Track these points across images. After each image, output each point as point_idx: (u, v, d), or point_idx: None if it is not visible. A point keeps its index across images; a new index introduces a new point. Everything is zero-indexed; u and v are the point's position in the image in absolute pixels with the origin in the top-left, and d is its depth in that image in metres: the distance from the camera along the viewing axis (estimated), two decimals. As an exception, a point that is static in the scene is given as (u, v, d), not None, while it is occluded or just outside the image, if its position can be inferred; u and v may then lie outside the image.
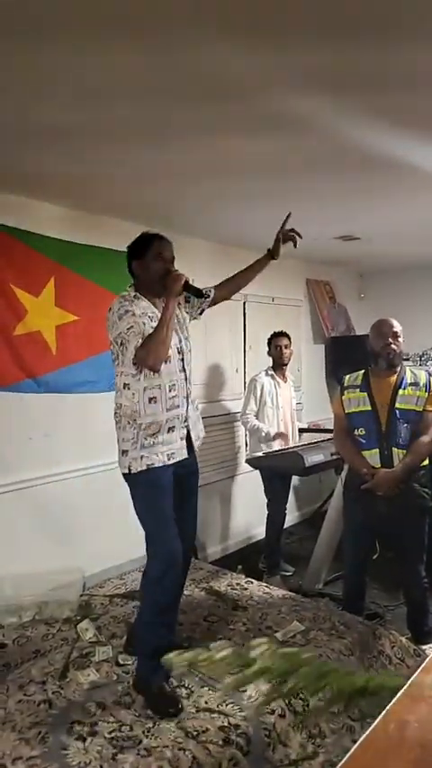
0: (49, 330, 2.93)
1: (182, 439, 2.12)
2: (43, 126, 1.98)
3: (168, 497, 2.06)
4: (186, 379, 2.14)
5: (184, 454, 2.13)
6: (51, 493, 2.97)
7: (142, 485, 2.05)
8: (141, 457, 2.03)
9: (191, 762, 1.69)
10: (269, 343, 3.70)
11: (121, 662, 2.22)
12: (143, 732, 1.82)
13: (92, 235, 3.10)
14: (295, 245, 2.33)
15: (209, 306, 2.32)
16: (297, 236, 2.32)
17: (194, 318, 2.32)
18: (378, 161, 2.31)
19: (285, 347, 3.65)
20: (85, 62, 1.55)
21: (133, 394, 2.03)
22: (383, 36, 1.45)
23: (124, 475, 2.08)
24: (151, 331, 1.97)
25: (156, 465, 2.03)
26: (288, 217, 2.31)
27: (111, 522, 3.12)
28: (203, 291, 2.20)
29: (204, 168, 2.44)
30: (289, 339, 3.69)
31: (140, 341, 1.95)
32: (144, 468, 2.02)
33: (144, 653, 2.05)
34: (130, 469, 2.04)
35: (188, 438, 2.16)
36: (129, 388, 2.04)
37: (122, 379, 2.06)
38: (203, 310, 2.32)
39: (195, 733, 1.81)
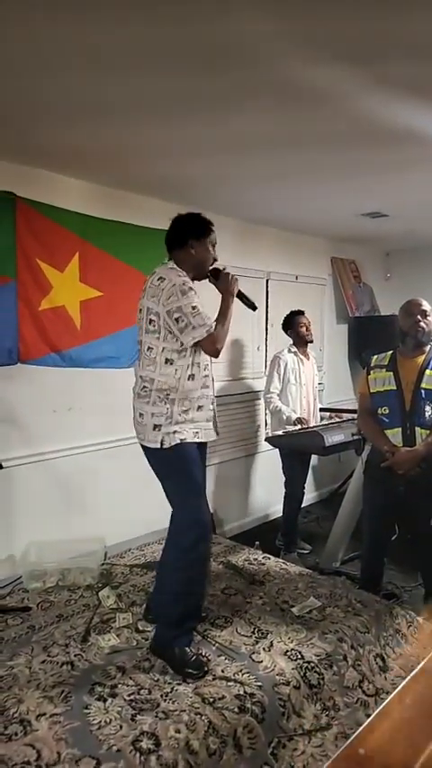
0: (73, 305, 2.95)
1: (208, 420, 2.15)
2: (67, 101, 1.97)
3: (198, 470, 2.11)
4: (211, 360, 2.18)
5: (210, 435, 2.17)
6: (74, 465, 3.03)
7: (175, 458, 2.06)
8: (174, 432, 2.04)
9: (207, 726, 1.74)
10: (290, 322, 3.66)
11: (141, 628, 2.29)
12: (161, 696, 1.88)
13: (116, 210, 3.09)
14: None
15: None
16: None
17: None
18: (406, 134, 2.24)
19: (309, 324, 3.64)
20: (108, 34, 1.52)
21: (176, 370, 2.05)
22: (406, 1, 1.39)
23: (154, 450, 2.07)
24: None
25: (187, 440, 2.06)
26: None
27: (131, 495, 3.18)
28: (255, 305, 2.29)
29: (227, 143, 2.40)
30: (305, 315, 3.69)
31: (207, 330, 2.00)
32: (177, 441, 2.04)
33: (169, 620, 2.10)
34: (162, 444, 2.04)
35: (214, 423, 2.20)
36: (172, 364, 2.05)
37: (165, 354, 2.05)
38: None
39: (212, 699, 1.86)
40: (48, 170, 2.77)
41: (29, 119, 2.13)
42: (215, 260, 2.19)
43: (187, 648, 2.07)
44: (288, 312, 3.69)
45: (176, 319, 1.99)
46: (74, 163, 2.69)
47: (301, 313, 3.66)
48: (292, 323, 3.65)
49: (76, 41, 1.56)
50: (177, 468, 2.08)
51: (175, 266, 2.09)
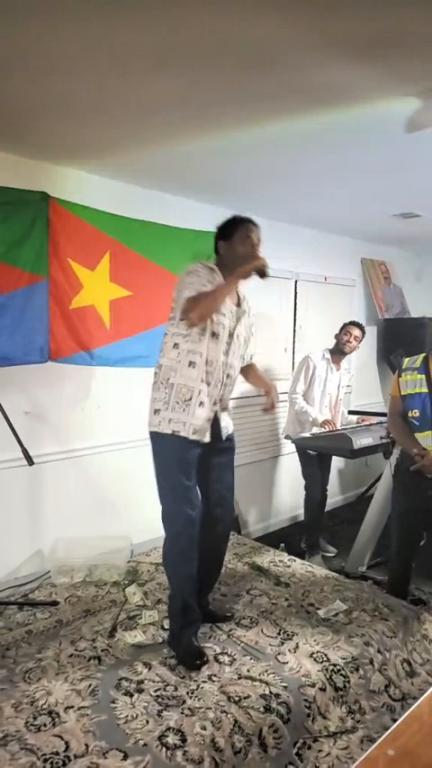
0: (103, 305, 2.99)
1: (207, 420, 2.10)
2: (101, 101, 1.99)
3: (188, 469, 2.08)
4: (227, 365, 2.14)
5: (205, 437, 2.10)
6: (102, 462, 3.07)
7: (166, 448, 2.09)
8: (170, 420, 2.07)
9: (232, 724, 1.74)
10: (342, 328, 3.59)
11: (166, 626, 2.29)
12: (187, 693, 1.89)
13: (146, 210, 3.11)
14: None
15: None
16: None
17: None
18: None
19: (355, 338, 3.53)
20: (137, 34, 1.54)
21: (178, 353, 2.08)
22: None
23: (151, 434, 2.13)
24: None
25: (181, 433, 2.05)
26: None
27: (157, 494, 3.20)
28: (267, 273, 2.06)
29: (258, 144, 2.40)
30: (362, 332, 3.56)
31: (187, 295, 1.99)
32: (170, 432, 2.06)
33: (172, 611, 2.17)
34: (159, 428, 2.09)
35: (215, 427, 2.15)
36: (177, 347, 2.09)
37: (173, 339, 2.11)
38: None
39: (237, 698, 1.86)
40: (80, 170, 2.82)
41: (62, 119, 2.17)
42: (250, 255, 2.08)
43: (192, 639, 2.12)
44: (348, 320, 3.60)
45: (176, 297, 2.06)
46: (106, 163, 2.73)
47: (356, 324, 3.55)
48: (343, 328, 3.57)
49: (108, 41, 1.58)
50: (165, 458, 2.10)
51: (208, 262, 2.14)
